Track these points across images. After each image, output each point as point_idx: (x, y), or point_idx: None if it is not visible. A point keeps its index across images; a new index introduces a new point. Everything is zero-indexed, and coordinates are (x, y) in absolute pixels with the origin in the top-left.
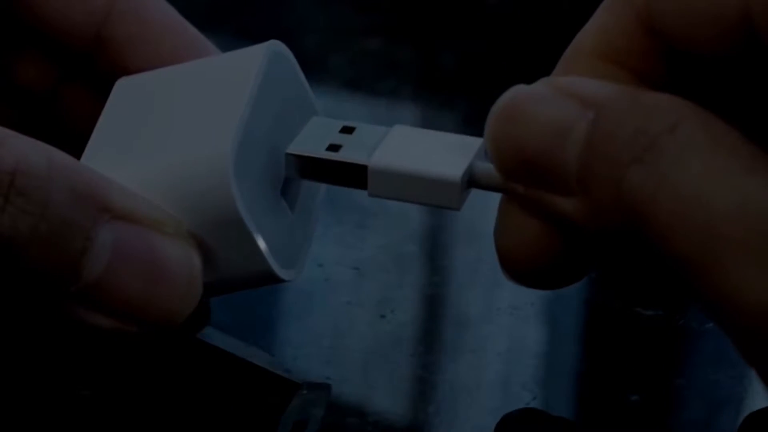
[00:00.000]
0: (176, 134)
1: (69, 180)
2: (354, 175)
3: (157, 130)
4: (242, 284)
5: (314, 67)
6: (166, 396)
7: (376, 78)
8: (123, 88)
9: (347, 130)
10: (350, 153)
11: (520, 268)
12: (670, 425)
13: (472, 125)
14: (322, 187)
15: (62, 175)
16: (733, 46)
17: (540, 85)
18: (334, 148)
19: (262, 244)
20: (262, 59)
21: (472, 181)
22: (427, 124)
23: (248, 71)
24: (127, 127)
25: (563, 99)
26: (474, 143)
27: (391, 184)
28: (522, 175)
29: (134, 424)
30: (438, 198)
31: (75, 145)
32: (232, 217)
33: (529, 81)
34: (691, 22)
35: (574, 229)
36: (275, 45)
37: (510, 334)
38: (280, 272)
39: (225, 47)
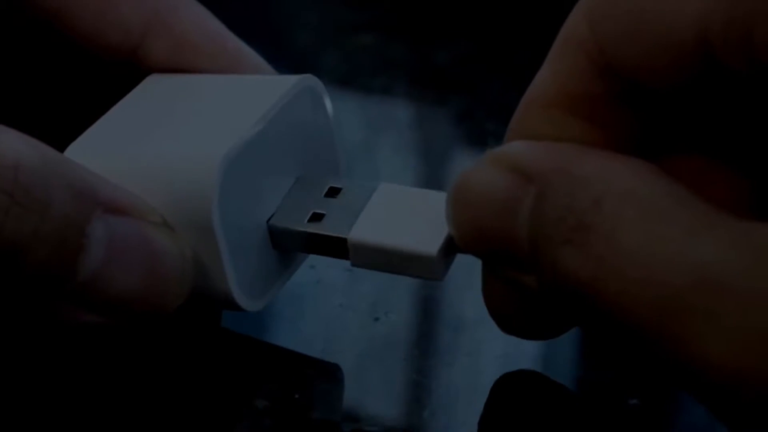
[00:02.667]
0: (175, 135)
1: (64, 176)
2: (336, 247)
3: (158, 129)
4: (202, 299)
5: (306, 64)
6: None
7: (369, 75)
8: (149, 84)
9: (333, 191)
10: (332, 224)
11: (507, 326)
12: (670, 430)
13: (466, 122)
14: None
15: (58, 172)
16: (692, 73)
17: (486, 165)
18: (317, 217)
19: (228, 264)
20: (290, 88)
21: (454, 247)
22: (421, 121)
23: (272, 95)
24: (133, 121)
25: (509, 176)
26: None
27: (371, 257)
28: (486, 254)
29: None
30: (419, 270)
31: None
32: (205, 225)
33: (524, 79)
34: (644, 52)
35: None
36: (309, 79)
37: (507, 338)
38: (242, 300)
39: None
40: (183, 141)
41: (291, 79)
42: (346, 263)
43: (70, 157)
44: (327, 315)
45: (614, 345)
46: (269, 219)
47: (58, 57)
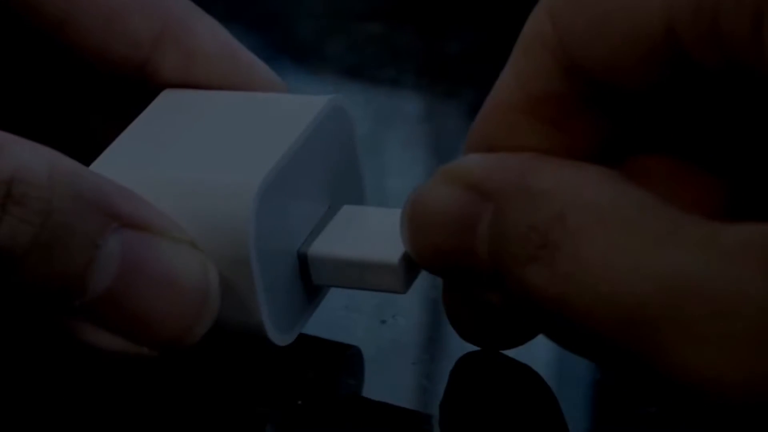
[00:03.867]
0: (205, 158)
1: (73, 186)
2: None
3: (186, 150)
4: (228, 331)
5: (312, 54)
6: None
7: (376, 65)
8: (166, 99)
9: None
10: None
11: (467, 334)
12: None
13: None
14: None
15: (66, 181)
16: (662, 71)
17: (439, 182)
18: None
19: (262, 297)
20: (320, 110)
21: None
22: (430, 114)
23: (302, 117)
24: (157, 138)
25: (464, 194)
26: None
27: (333, 271)
28: (445, 271)
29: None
30: (381, 281)
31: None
32: (240, 256)
33: None
34: (610, 49)
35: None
36: (337, 100)
37: None
38: (273, 334)
39: None
40: (215, 165)
41: (320, 100)
42: None
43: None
44: (332, 317)
45: (586, 355)
46: (300, 248)
47: (63, 70)
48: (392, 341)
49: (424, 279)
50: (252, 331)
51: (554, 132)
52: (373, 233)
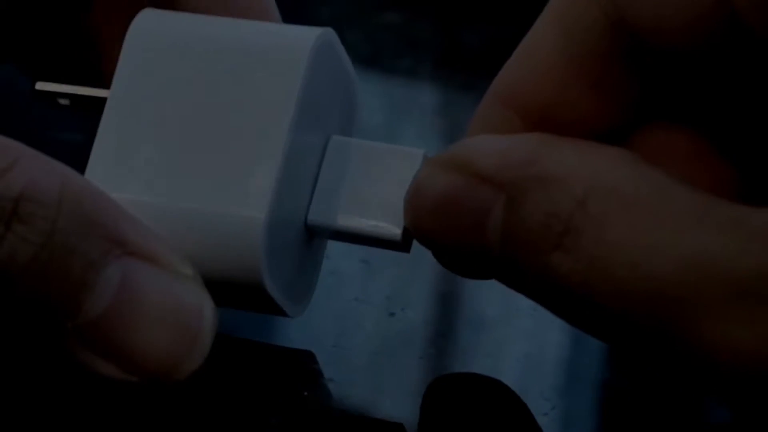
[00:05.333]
0: (204, 160)
1: (81, 207)
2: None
3: (181, 141)
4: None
5: None
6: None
7: (393, 55)
8: (142, 33)
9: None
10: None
11: (449, 265)
12: None
13: None
14: None
15: (74, 201)
16: (712, 34)
17: (446, 170)
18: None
19: (280, 298)
20: (309, 53)
21: None
22: (447, 106)
23: (294, 70)
24: (143, 121)
25: (473, 185)
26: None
27: (332, 235)
28: (449, 257)
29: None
30: (383, 245)
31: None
32: (257, 285)
33: None
34: (662, 5)
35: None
36: (328, 34)
37: (529, 338)
38: (290, 309)
39: None
40: (213, 175)
41: (308, 41)
42: (362, 256)
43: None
44: (340, 309)
45: (601, 335)
46: (306, 215)
47: None
48: (401, 334)
49: (434, 272)
50: (267, 305)
51: (589, 90)
52: (373, 192)
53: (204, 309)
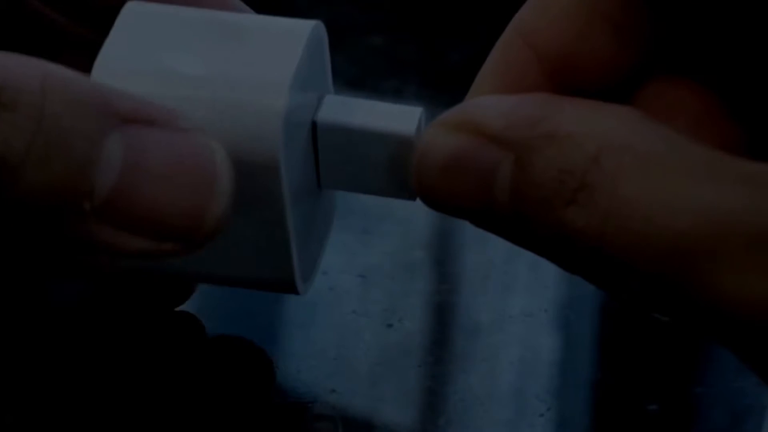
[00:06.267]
0: (218, 66)
1: (67, 91)
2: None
3: (190, 55)
4: (253, 285)
5: None
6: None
7: (379, 77)
8: (134, 14)
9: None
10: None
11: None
12: None
13: None
14: (336, 202)
15: (59, 88)
16: None
17: (448, 132)
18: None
19: (294, 244)
20: (309, 34)
21: None
22: None
23: (295, 41)
24: (149, 45)
25: (477, 144)
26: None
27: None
28: (457, 215)
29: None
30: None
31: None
32: (271, 175)
33: None
34: None
35: None
36: (319, 27)
37: (523, 342)
38: (300, 285)
39: None
40: (231, 76)
41: (305, 25)
42: (359, 270)
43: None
44: (340, 322)
45: (614, 290)
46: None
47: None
48: (399, 344)
49: (428, 284)
50: (282, 288)
51: (608, 35)
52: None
53: (214, 151)
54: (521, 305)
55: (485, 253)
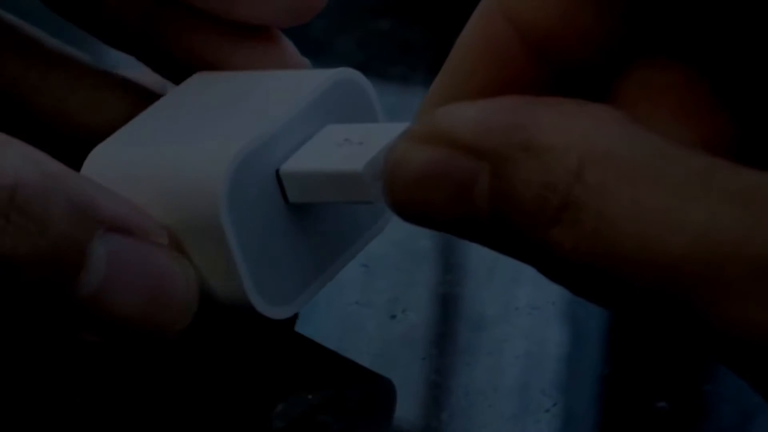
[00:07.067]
0: (192, 134)
1: (64, 191)
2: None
3: (178, 130)
4: (219, 310)
5: (321, 50)
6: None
7: (386, 62)
8: (191, 82)
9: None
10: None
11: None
12: None
13: None
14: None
15: (57, 187)
16: None
17: (419, 143)
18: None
19: (242, 265)
20: (324, 83)
21: None
22: None
23: (303, 91)
24: (154, 124)
25: (451, 156)
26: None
27: (304, 186)
28: (434, 228)
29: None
30: (354, 193)
31: (179, 76)
32: (213, 223)
33: None
34: None
35: None
36: (347, 72)
37: (529, 336)
38: (262, 307)
39: None
40: (197, 139)
41: (328, 75)
42: (362, 260)
43: (95, 158)
44: (342, 313)
45: (606, 305)
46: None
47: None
48: (402, 336)
49: (433, 274)
50: (239, 305)
51: (595, 7)
52: (346, 146)
53: (187, 269)
54: (528, 297)
55: None
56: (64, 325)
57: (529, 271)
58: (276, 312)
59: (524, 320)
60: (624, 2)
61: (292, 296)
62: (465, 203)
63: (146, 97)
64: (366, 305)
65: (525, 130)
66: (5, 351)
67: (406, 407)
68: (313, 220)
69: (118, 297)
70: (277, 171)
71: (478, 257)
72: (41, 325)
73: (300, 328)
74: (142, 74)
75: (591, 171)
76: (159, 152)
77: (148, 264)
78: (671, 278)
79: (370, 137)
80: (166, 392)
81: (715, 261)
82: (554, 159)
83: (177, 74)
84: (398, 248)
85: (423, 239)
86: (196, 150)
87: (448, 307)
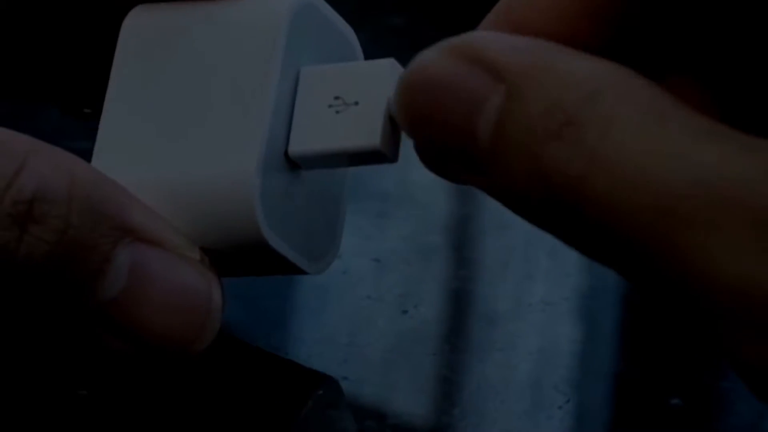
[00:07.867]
0: (197, 131)
1: (90, 200)
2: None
3: (175, 119)
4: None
5: None
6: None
7: (398, 59)
8: (133, 28)
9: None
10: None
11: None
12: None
13: None
14: (348, 174)
15: (83, 196)
16: None
17: (447, 55)
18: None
19: (291, 255)
20: (286, 18)
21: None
22: None
23: (273, 36)
24: (142, 107)
25: (474, 72)
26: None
27: (318, 161)
28: (432, 148)
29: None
30: (368, 158)
31: None
32: (258, 241)
33: None
34: None
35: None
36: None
37: (542, 332)
38: (306, 265)
39: None
40: (207, 145)
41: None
42: (374, 254)
43: (100, 170)
44: (353, 307)
45: (593, 256)
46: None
47: None
48: (414, 331)
49: (445, 270)
50: (285, 266)
51: (596, 28)
52: (350, 110)
53: (211, 290)
54: (541, 293)
55: (505, 238)
56: (84, 327)
57: (543, 267)
58: (320, 267)
59: (537, 316)
60: (621, 17)
61: (327, 248)
62: (469, 122)
63: None
64: (377, 300)
65: (550, 54)
66: (15, 342)
67: (418, 403)
68: (318, 174)
69: (140, 306)
70: (286, 152)
71: (492, 252)
72: (59, 323)
73: (312, 321)
74: None
75: (604, 98)
76: (175, 173)
77: (175, 277)
78: (665, 214)
79: (362, 93)
80: (167, 392)
81: (718, 203)
82: (573, 82)
83: None
84: (410, 243)
85: (435, 234)
86: (216, 176)
87: (460, 303)
